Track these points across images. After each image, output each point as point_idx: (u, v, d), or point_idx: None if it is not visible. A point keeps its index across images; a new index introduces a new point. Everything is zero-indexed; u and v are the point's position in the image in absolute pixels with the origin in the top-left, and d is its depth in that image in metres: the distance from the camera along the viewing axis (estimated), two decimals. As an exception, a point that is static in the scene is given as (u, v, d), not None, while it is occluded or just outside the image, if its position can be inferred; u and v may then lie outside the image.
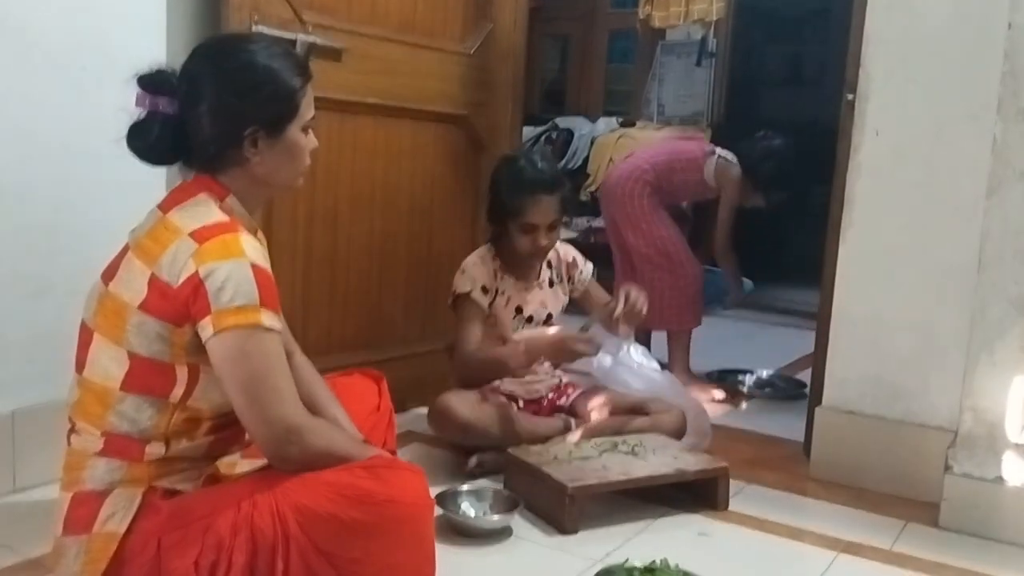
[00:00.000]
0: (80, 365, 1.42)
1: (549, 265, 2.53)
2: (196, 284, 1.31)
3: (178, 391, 1.37)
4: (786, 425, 2.83)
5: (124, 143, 1.43)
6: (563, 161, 5.32)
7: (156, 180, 2.19)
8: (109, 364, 1.37)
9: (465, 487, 2.07)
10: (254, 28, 2.21)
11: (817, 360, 2.54)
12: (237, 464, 1.47)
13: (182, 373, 1.37)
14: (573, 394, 2.52)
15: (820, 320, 2.54)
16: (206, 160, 1.44)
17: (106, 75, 2.07)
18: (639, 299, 2.34)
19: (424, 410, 2.44)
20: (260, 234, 1.56)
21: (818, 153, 5.90)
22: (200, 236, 1.34)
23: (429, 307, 2.80)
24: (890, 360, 2.34)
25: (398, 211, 2.73)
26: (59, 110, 2.01)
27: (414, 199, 2.77)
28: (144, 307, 1.34)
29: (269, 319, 1.34)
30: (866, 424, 2.36)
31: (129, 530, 1.36)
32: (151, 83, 1.42)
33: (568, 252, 2.59)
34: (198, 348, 1.35)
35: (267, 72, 1.43)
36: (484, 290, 2.41)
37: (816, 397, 2.50)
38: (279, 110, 1.44)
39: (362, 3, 2.51)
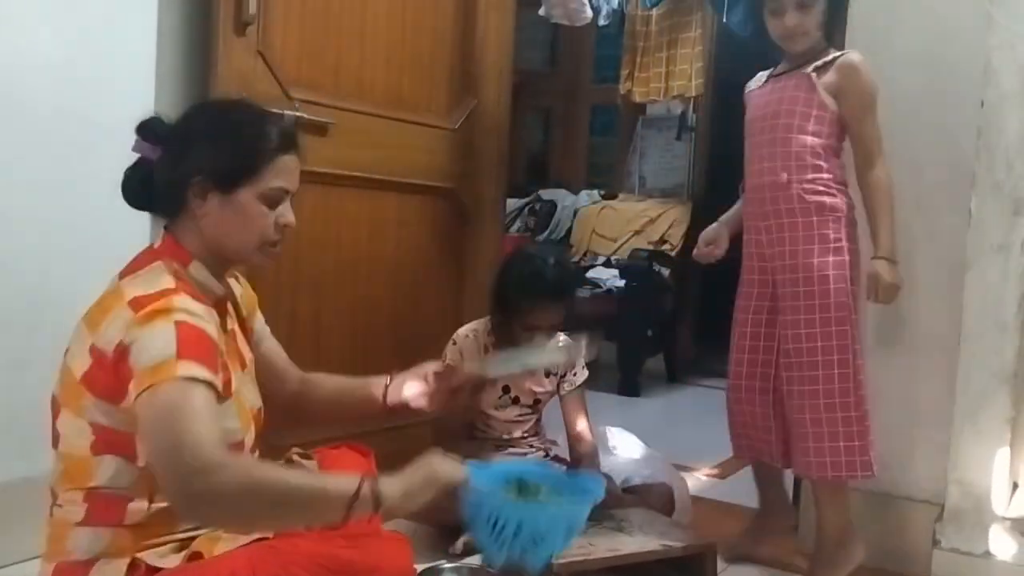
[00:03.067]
0: (55, 440, 1.40)
1: None
2: (122, 352, 1.26)
3: (142, 460, 1.33)
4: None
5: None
6: (546, 232, 5.37)
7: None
8: (76, 438, 1.35)
9: (447, 564, 2.03)
10: (242, 103, 2.24)
11: (802, 432, 2.52)
12: (219, 540, 1.44)
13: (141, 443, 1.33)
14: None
15: (804, 392, 2.53)
16: (161, 207, 1.44)
17: (92, 147, 2.09)
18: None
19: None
20: (236, 302, 1.57)
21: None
22: (137, 304, 1.29)
23: (413, 379, 2.79)
24: (875, 432, 2.33)
25: (383, 281, 2.73)
26: (44, 182, 2.02)
27: (399, 269, 2.78)
28: (85, 380, 1.31)
29: (187, 369, 1.23)
30: (853, 497, 2.33)
31: None
32: (142, 129, 1.43)
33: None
34: None
35: (234, 126, 1.42)
36: None
37: (802, 470, 2.48)
38: (232, 166, 1.39)
39: (349, 79, 2.56)
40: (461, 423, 2.47)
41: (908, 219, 2.29)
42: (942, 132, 2.24)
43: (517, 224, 5.45)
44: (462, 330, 2.47)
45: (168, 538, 1.40)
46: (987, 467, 2.06)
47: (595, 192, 5.50)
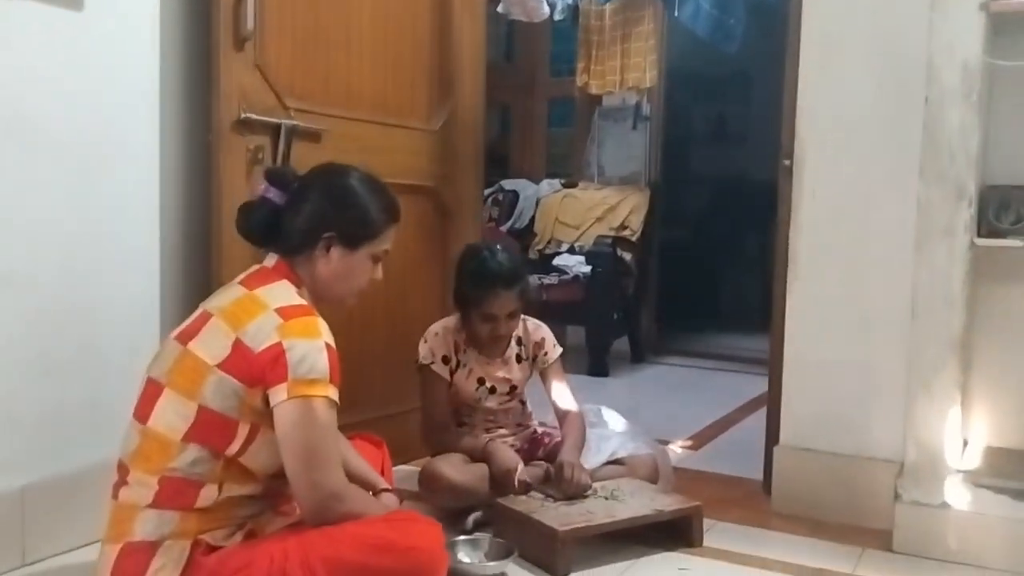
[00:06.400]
0: (144, 417, 1.56)
1: (519, 342, 2.64)
2: (277, 354, 1.52)
3: (235, 447, 1.53)
4: (743, 465, 3.01)
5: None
6: (511, 221, 5.52)
7: (151, 262, 2.32)
8: (174, 417, 1.53)
9: (461, 537, 2.20)
10: (243, 115, 2.36)
11: (771, 402, 2.74)
12: (271, 521, 1.60)
13: (243, 430, 1.54)
14: (550, 444, 2.66)
15: (772, 365, 2.75)
16: (288, 247, 1.70)
17: (105, 163, 2.20)
18: (577, 475, 2.34)
19: (406, 468, 2.55)
20: None
21: (746, 203, 6.21)
22: (286, 314, 1.57)
23: (406, 368, 2.92)
24: (839, 399, 2.56)
25: (374, 278, 2.86)
26: (63, 197, 2.12)
27: (388, 265, 2.90)
28: (224, 366, 1.53)
29: (334, 393, 1.57)
30: (821, 460, 2.56)
31: None
32: (273, 176, 1.76)
33: (539, 332, 2.67)
34: (263, 411, 1.53)
35: (363, 199, 1.75)
36: (445, 360, 2.56)
37: (773, 437, 2.70)
38: (360, 231, 1.73)
39: (338, 89, 2.68)
40: (447, 412, 2.61)
41: (862, 206, 2.51)
42: (891, 127, 2.44)
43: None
44: (433, 327, 2.62)
45: (229, 520, 1.55)
46: (941, 426, 2.27)
47: (556, 181, 5.66)
